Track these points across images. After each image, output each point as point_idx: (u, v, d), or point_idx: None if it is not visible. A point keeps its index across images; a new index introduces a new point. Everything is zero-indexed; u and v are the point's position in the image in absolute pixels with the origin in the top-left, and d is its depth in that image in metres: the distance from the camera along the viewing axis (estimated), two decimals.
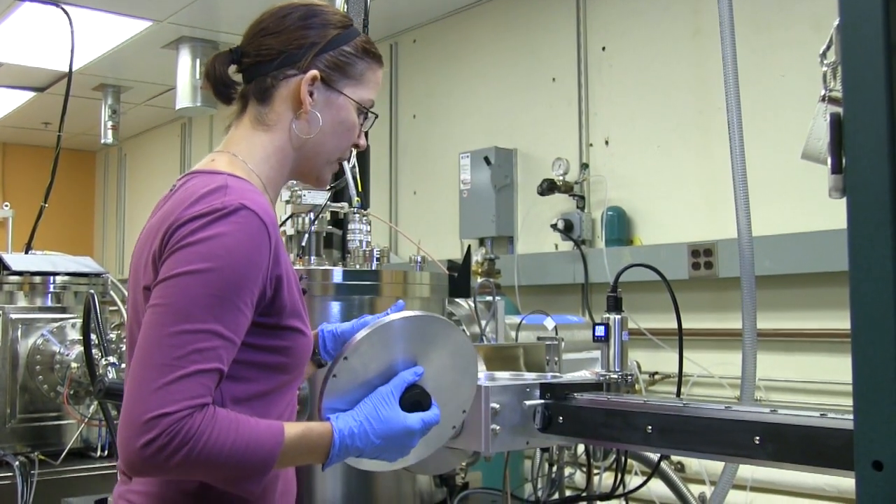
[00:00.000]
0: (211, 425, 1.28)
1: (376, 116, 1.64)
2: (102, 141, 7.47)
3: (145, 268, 1.41)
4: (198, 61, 6.05)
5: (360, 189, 2.67)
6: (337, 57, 1.55)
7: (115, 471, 2.80)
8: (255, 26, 1.58)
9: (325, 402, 1.47)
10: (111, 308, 3.39)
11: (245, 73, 1.57)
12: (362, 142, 1.63)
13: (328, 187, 2.45)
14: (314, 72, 1.52)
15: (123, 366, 2.57)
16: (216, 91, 1.58)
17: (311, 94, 1.53)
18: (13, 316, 3.15)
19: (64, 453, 3.13)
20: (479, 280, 4.19)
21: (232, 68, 1.58)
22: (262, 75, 1.54)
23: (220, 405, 1.35)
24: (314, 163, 1.59)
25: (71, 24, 4.26)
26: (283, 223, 2.61)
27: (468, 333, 2.67)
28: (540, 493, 2.61)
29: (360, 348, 1.49)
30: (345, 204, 2.65)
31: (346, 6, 2.78)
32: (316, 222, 2.54)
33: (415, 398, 1.50)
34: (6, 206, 8.69)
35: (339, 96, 1.55)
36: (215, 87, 1.57)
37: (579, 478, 3.72)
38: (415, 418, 1.48)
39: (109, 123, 7.39)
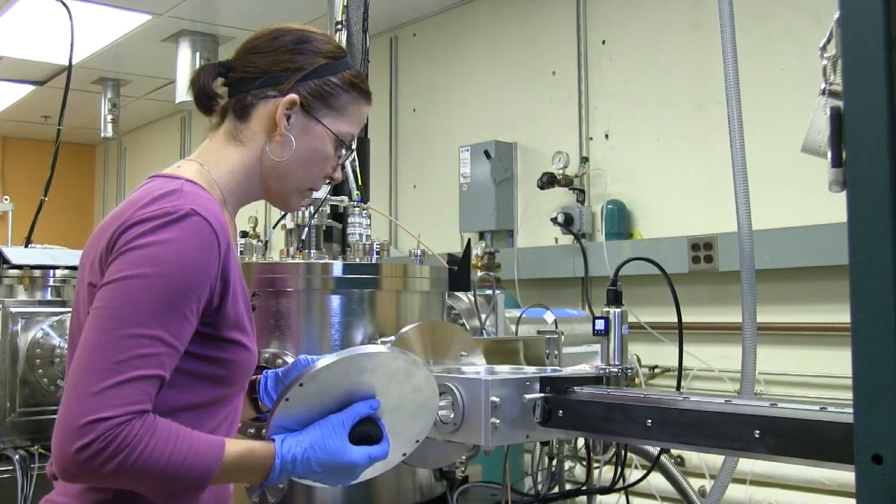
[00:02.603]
0: (149, 434, 1.24)
1: (352, 152, 1.61)
2: (102, 134, 7.48)
3: (91, 265, 1.39)
4: (197, 55, 6.04)
5: (359, 182, 2.68)
6: (321, 86, 1.54)
7: None
8: (247, 43, 1.58)
9: (274, 419, 1.43)
10: None
11: (229, 88, 1.57)
12: (337, 175, 1.61)
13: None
14: (293, 96, 1.51)
15: None
16: (198, 100, 1.57)
17: (287, 118, 1.52)
18: (13, 310, 3.15)
19: None
20: (479, 273, 4.18)
21: (219, 81, 1.57)
22: (244, 92, 1.54)
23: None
24: (282, 187, 1.57)
25: (70, 17, 4.25)
26: (278, 222, 2.62)
27: (468, 327, 2.68)
28: (540, 487, 2.61)
29: (319, 377, 1.43)
30: (344, 197, 2.65)
31: (346, 0, 2.78)
32: (316, 216, 2.54)
33: (366, 432, 1.45)
34: (6, 199, 8.69)
35: (317, 125, 1.54)
36: (197, 96, 1.57)
37: (579, 471, 3.72)
38: (361, 453, 1.43)
39: (109, 117, 7.40)
